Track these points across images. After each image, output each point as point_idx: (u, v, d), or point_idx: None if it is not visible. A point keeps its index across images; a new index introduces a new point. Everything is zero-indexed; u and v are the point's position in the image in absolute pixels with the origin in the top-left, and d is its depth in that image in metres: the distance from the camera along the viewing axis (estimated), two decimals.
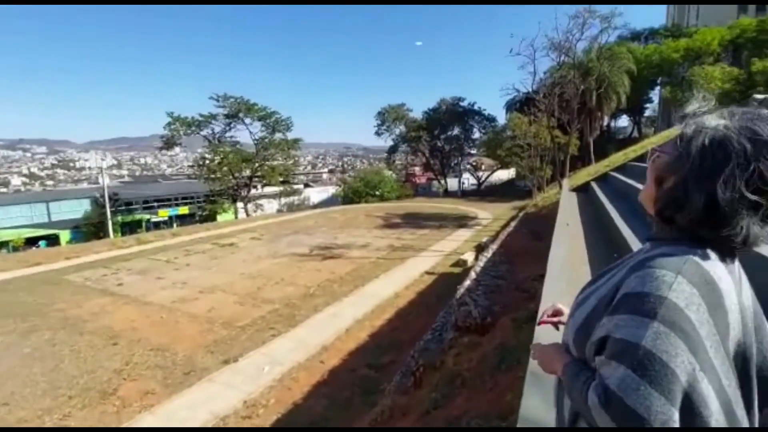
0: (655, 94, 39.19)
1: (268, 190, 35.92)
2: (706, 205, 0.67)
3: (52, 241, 26.96)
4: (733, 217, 0.65)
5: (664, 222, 0.76)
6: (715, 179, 0.65)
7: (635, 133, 41.16)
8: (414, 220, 23.28)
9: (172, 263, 15.13)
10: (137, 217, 32.01)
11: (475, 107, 42.31)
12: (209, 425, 5.76)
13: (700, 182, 0.67)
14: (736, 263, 0.74)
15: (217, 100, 31.41)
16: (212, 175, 31.45)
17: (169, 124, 30.84)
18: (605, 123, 36.08)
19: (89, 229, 28.18)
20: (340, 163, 68.97)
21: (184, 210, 35.35)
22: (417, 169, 50.02)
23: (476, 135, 43.07)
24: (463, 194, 40.10)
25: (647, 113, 44.47)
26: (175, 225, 30.44)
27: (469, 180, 47.11)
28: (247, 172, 33.64)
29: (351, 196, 37.12)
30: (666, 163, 0.75)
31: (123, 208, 31.07)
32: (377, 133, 43.26)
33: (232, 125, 32.91)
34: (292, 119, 34.56)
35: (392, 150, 45.79)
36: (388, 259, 14.41)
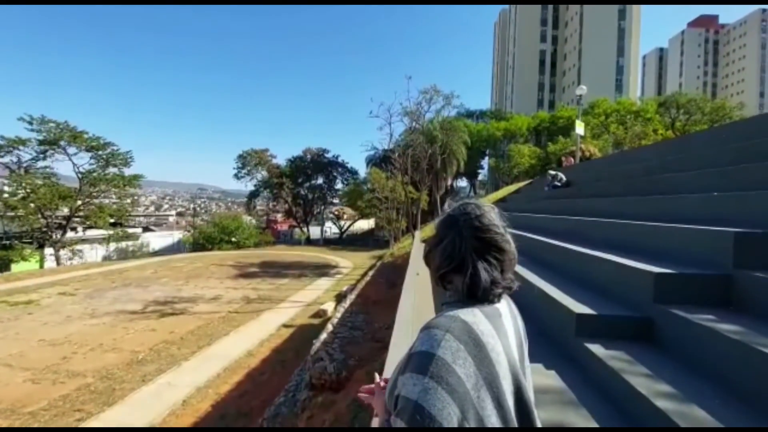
0: (485, 163, 47.54)
1: (93, 233, 29.73)
2: (446, 257, 0.90)
3: None
4: (464, 264, 0.86)
5: (442, 287, 0.95)
6: (445, 240, 0.91)
7: (472, 193, 48.76)
8: (273, 269, 22.13)
9: None
10: None
11: (339, 159, 44.21)
12: None
13: (439, 243, 0.93)
14: (506, 307, 0.92)
15: (30, 123, 25.43)
16: (10, 213, 24.72)
17: None
18: (449, 183, 41.63)
19: None
20: (191, 206, 62.22)
21: None
22: (279, 215, 48.69)
23: (339, 185, 44.68)
24: (326, 242, 40.33)
25: (480, 177, 53.38)
26: None
27: (331, 228, 47.83)
28: (65, 211, 27.49)
29: (202, 242, 33.56)
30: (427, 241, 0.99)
31: None
32: (237, 177, 41.10)
33: (48, 153, 26.80)
34: (133, 154, 30.15)
35: (253, 195, 43.83)
36: (242, 313, 13.13)
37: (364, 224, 47.22)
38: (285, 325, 11.87)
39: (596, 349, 2.18)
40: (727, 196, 3.28)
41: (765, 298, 2.03)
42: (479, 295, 0.86)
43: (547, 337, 2.88)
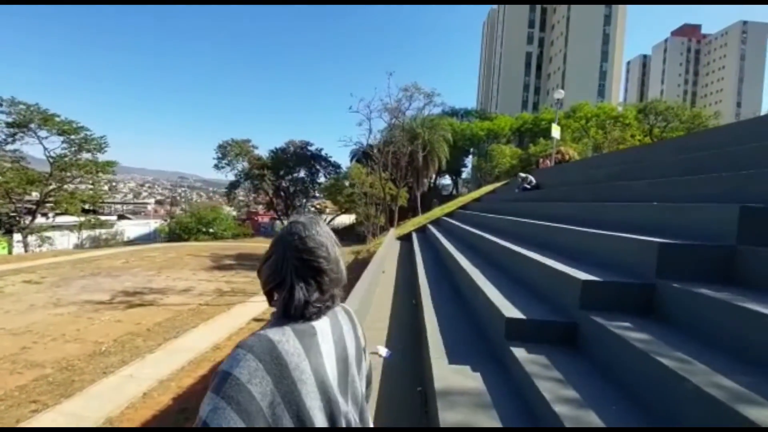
0: (469, 161, 47.82)
1: (65, 219, 28.85)
2: (269, 274, 0.94)
3: None
4: (285, 283, 0.90)
5: (269, 302, 0.97)
6: (272, 257, 0.95)
7: (455, 191, 49.06)
8: (249, 262, 21.87)
9: None
10: None
11: (322, 153, 43.87)
12: None
13: (267, 260, 0.97)
14: (327, 325, 0.94)
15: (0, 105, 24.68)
16: None
17: None
18: (432, 180, 41.77)
19: None
20: (171, 194, 61.00)
21: None
22: (260, 207, 48.13)
23: (322, 179, 44.33)
24: None
25: (464, 175, 53.70)
26: None
27: None
28: (35, 196, 26.63)
29: (178, 232, 32.91)
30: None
31: None
32: (217, 167, 40.35)
33: (17, 136, 25.91)
34: (108, 139, 29.24)
35: (233, 186, 43.14)
36: (213, 306, 12.97)
37: (347, 219, 47.07)
38: (256, 319, 11.77)
39: (519, 352, 2.24)
40: (666, 207, 3.38)
41: (681, 307, 2.12)
42: (292, 314, 0.89)
43: (486, 339, 2.94)
